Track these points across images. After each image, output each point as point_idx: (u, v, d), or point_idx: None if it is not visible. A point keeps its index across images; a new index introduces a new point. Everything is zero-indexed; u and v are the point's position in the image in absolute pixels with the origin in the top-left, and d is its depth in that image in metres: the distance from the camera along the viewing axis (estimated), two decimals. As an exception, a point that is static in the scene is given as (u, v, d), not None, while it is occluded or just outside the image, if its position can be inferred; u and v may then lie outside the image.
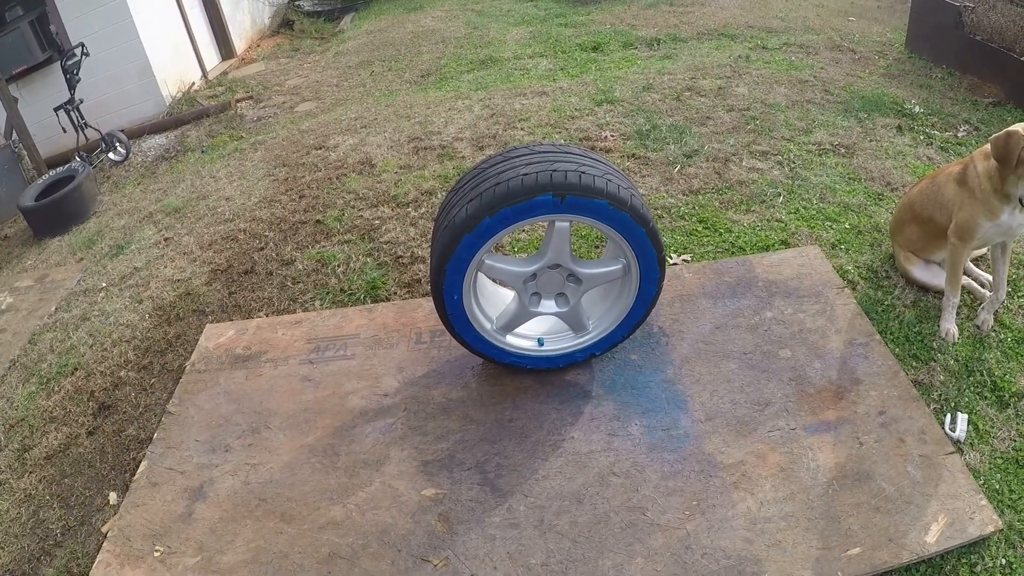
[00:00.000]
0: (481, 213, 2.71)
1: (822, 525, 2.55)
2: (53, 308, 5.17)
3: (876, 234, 4.04)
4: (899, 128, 5.28)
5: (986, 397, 3.07)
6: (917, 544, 2.45)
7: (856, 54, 7.20)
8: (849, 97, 5.85)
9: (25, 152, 8.23)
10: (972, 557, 2.50)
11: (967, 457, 2.80)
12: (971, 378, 3.15)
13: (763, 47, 7.52)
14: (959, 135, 5.16)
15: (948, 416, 2.96)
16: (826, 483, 2.69)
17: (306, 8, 14.31)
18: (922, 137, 5.15)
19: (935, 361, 3.24)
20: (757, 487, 2.71)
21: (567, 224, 2.85)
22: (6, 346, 4.90)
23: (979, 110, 5.72)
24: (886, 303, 3.55)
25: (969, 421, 2.93)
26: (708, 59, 7.23)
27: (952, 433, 2.87)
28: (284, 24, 13.85)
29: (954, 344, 3.29)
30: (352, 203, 5.24)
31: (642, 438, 2.98)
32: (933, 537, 2.47)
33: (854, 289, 3.64)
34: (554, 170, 2.68)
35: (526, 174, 2.68)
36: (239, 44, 12.19)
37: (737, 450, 2.87)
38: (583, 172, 2.69)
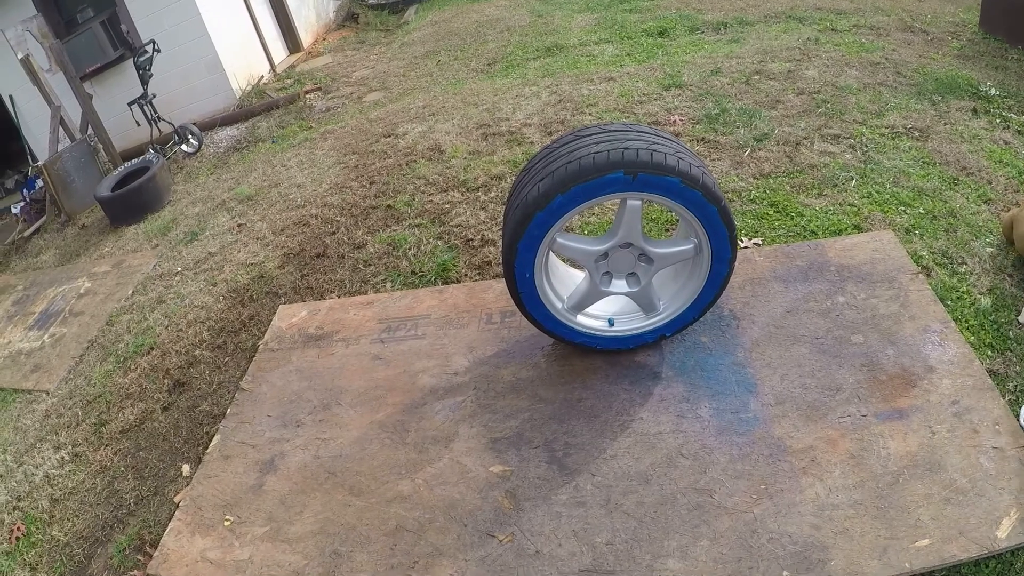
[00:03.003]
0: (553, 191, 2.72)
1: (891, 514, 2.50)
2: (130, 291, 5.34)
3: (951, 219, 3.93)
4: (974, 111, 5.12)
5: (1064, 389, 2.97)
6: (988, 538, 2.38)
7: (928, 35, 7.00)
8: (922, 79, 5.70)
9: (100, 146, 8.49)
10: (1044, 555, 2.42)
11: (1042, 450, 2.71)
12: (1048, 369, 3.05)
13: (832, 29, 7.36)
14: (1037, 118, 5.00)
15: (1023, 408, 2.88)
16: (896, 472, 2.63)
17: (370, 1, 14.45)
18: (998, 120, 4.99)
19: (1011, 351, 3.13)
20: (826, 473, 2.67)
21: (639, 203, 2.85)
22: (84, 327, 5.09)
23: (1058, 92, 5.52)
24: (961, 290, 3.46)
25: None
26: (776, 42, 7.10)
27: (1028, 425, 2.79)
28: (349, 17, 14.00)
29: None
30: (422, 188, 5.31)
31: (711, 420, 2.96)
32: (1004, 532, 2.39)
33: (928, 275, 3.55)
34: (625, 148, 2.67)
35: (597, 152, 2.68)
36: (305, 38, 12.37)
37: (807, 435, 2.83)
38: (655, 150, 2.68)
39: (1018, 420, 2.78)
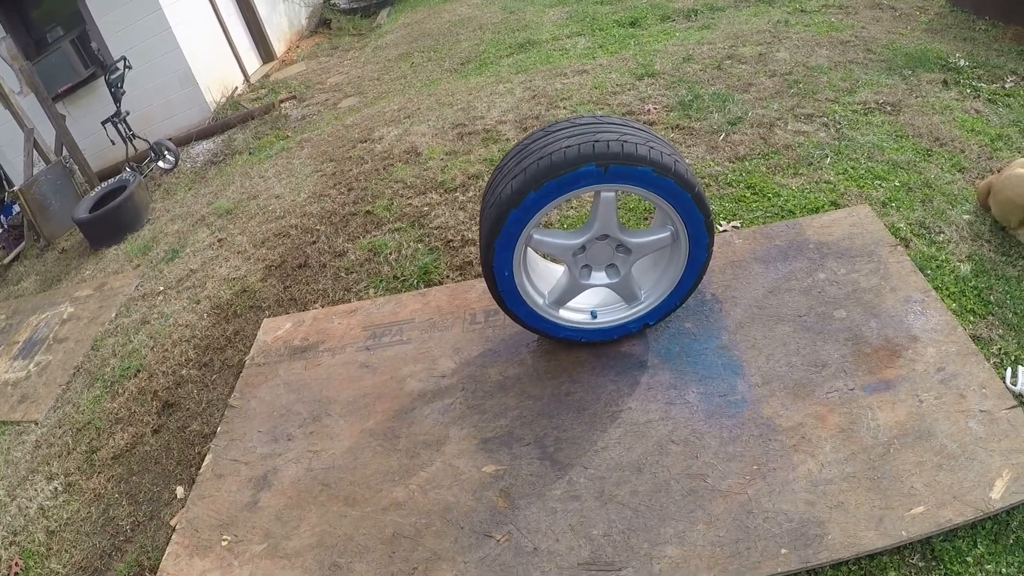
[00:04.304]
0: (526, 188, 2.72)
1: (884, 484, 2.51)
2: (113, 314, 5.31)
3: (927, 190, 3.95)
4: (945, 83, 5.15)
5: (1048, 348, 2.99)
6: (982, 500, 2.40)
7: (896, 11, 7.03)
8: (892, 55, 5.73)
9: (76, 167, 8.44)
10: (1039, 511, 2.45)
11: (1030, 410, 2.73)
12: (1031, 330, 3.08)
13: (801, 10, 7.38)
14: (1006, 86, 5.02)
15: (1009, 370, 2.89)
16: (887, 442, 2.65)
17: (342, 6, 14.42)
18: (968, 90, 5.02)
19: (993, 315, 3.16)
20: (817, 449, 2.69)
21: (613, 194, 2.85)
22: (70, 354, 5.05)
23: (1026, 59, 5.56)
24: (940, 259, 3.48)
25: (1031, 373, 2.86)
26: (747, 26, 7.12)
27: (1014, 387, 2.80)
28: (321, 23, 13.97)
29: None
30: (400, 192, 5.31)
31: (699, 405, 2.97)
32: (998, 493, 2.41)
33: (907, 246, 3.57)
34: (596, 140, 2.68)
35: (568, 146, 2.69)
36: (278, 46, 12.33)
37: (796, 413, 2.84)
38: (625, 141, 2.69)
39: (1004, 382, 2.80)
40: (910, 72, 5.37)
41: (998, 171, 3.76)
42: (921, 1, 7.24)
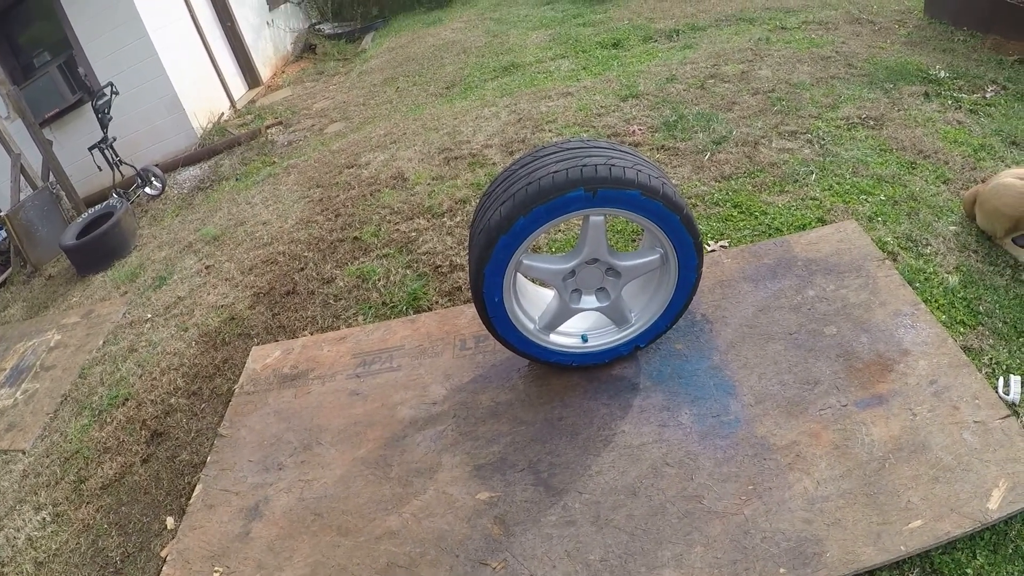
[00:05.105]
0: (515, 214, 2.72)
1: (881, 500, 2.51)
2: (101, 342, 5.27)
3: (912, 203, 3.98)
4: (926, 95, 5.20)
5: (1039, 357, 3.00)
6: (979, 511, 2.40)
7: (876, 25, 7.11)
8: (873, 69, 5.78)
9: (63, 193, 8.40)
10: (1038, 520, 2.45)
11: (1024, 419, 2.74)
12: (1021, 339, 3.08)
13: (782, 27, 7.46)
14: (987, 96, 5.07)
15: (1001, 379, 2.90)
16: (882, 457, 2.65)
17: (327, 31, 14.48)
18: (950, 102, 5.07)
19: (983, 325, 3.18)
20: (812, 466, 2.68)
21: (601, 218, 2.85)
22: (57, 382, 5.00)
23: (1005, 68, 5.61)
24: (928, 271, 3.50)
25: (1023, 383, 2.87)
26: (728, 45, 7.18)
27: (1006, 396, 2.81)
28: (307, 48, 14.02)
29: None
30: (388, 217, 5.30)
31: (693, 426, 2.96)
32: (995, 503, 2.42)
33: (895, 260, 3.59)
34: (584, 165, 2.68)
35: (556, 171, 2.69)
36: (264, 72, 12.36)
37: (789, 431, 2.84)
38: (613, 164, 2.69)
39: (996, 392, 2.82)
40: (891, 85, 5.42)
41: (982, 181, 3.79)
42: (900, 14, 7.34)
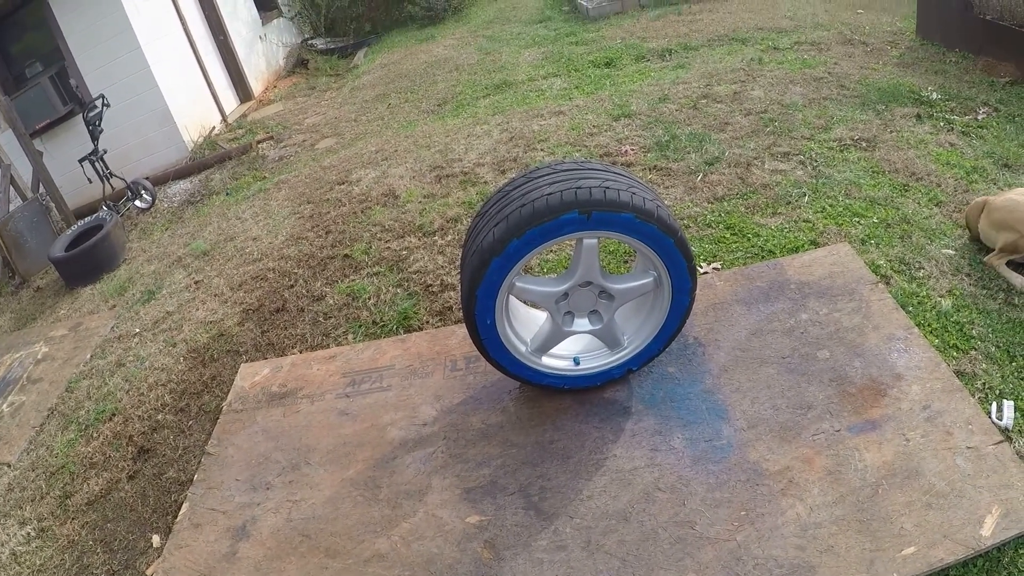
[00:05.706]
0: (508, 236, 2.70)
1: (874, 526, 2.50)
2: (88, 356, 5.23)
3: (905, 226, 3.99)
4: (918, 116, 5.23)
5: (1032, 382, 3.00)
6: (972, 538, 2.39)
7: (868, 46, 7.16)
8: (865, 90, 5.81)
9: (53, 204, 8.37)
10: (1030, 547, 2.44)
11: (1017, 445, 2.72)
12: (1014, 363, 3.08)
13: (775, 48, 7.50)
14: (979, 118, 5.10)
15: (994, 405, 2.89)
16: (875, 483, 2.63)
17: (319, 46, 14.50)
18: (942, 123, 5.10)
19: (976, 350, 3.17)
20: (805, 492, 2.66)
21: (595, 241, 2.84)
22: (44, 395, 4.96)
23: (997, 91, 5.64)
24: (921, 295, 3.50)
25: (1016, 408, 2.86)
26: (721, 65, 7.22)
27: (999, 421, 2.81)
28: (299, 63, 14.05)
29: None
30: (378, 235, 5.28)
31: (685, 451, 2.94)
32: (988, 530, 2.40)
33: (888, 283, 3.59)
34: (578, 187, 2.67)
35: (550, 193, 2.67)
36: (256, 86, 12.36)
37: (782, 456, 2.82)
38: (607, 187, 2.68)
39: (990, 417, 2.81)
40: (884, 107, 5.44)
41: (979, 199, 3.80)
42: (892, 36, 7.39)
